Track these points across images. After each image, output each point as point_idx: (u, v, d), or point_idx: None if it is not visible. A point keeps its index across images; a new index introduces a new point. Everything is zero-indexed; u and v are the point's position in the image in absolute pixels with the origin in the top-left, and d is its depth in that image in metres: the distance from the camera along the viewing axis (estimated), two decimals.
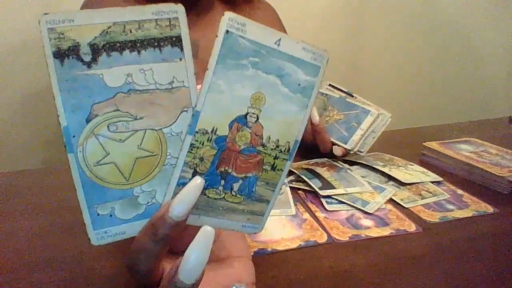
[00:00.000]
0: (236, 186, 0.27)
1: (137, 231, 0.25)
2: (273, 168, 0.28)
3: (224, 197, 0.27)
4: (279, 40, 0.26)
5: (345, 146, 0.62)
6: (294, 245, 0.43)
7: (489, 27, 1.66)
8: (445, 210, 0.52)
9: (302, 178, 0.57)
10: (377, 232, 0.46)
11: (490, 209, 0.53)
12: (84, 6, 0.69)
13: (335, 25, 1.45)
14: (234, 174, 0.27)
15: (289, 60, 0.26)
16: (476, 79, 1.73)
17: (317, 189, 0.54)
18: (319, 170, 0.61)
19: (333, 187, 0.55)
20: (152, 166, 0.25)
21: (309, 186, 0.56)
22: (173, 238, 0.24)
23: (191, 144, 0.25)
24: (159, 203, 0.26)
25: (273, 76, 0.26)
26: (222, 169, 0.27)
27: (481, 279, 0.39)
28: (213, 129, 0.26)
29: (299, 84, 0.27)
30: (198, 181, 0.24)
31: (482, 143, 0.73)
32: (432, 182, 0.60)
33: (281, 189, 0.54)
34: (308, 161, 0.65)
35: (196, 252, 0.22)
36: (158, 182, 0.26)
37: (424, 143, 0.70)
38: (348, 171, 0.61)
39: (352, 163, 0.65)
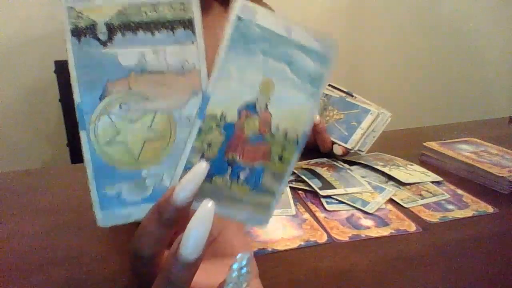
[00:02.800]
0: (243, 175, 0.27)
1: (143, 214, 0.25)
2: (281, 159, 0.28)
3: (230, 186, 0.27)
4: (290, 28, 0.26)
5: (346, 145, 0.62)
6: (294, 245, 0.43)
7: (490, 27, 1.66)
8: (445, 210, 0.52)
9: (302, 178, 0.57)
10: (377, 232, 0.46)
11: (490, 209, 0.53)
12: None
13: (335, 26, 1.45)
14: (242, 162, 0.27)
15: (299, 49, 0.26)
16: (476, 79, 1.73)
17: (317, 189, 0.54)
18: (319, 170, 0.61)
19: (333, 187, 0.55)
20: (161, 148, 0.26)
21: (309, 186, 0.56)
22: (178, 222, 0.24)
23: (200, 129, 0.26)
24: (166, 187, 0.26)
25: (282, 64, 0.26)
26: (230, 156, 0.27)
27: (481, 279, 0.39)
28: (222, 115, 0.26)
29: (308, 73, 0.27)
30: (204, 165, 0.24)
31: (482, 143, 0.73)
32: (432, 182, 0.60)
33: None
34: (308, 161, 0.65)
35: (197, 226, 0.22)
36: (166, 165, 0.26)
37: (424, 143, 0.70)
38: (348, 171, 0.61)
39: (352, 163, 0.65)
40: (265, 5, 0.82)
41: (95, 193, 0.25)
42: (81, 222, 0.47)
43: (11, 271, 0.39)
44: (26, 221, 0.48)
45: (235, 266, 0.23)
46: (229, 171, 0.27)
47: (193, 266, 0.23)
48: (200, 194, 0.25)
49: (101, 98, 0.24)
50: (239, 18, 0.24)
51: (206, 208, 0.23)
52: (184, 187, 0.23)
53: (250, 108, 0.26)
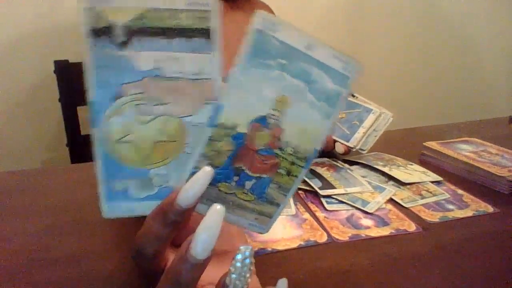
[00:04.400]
0: (248, 185, 0.28)
1: (147, 210, 0.26)
2: (288, 173, 0.28)
3: (235, 193, 0.28)
4: (311, 44, 0.25)
5: (348, 144, 0.62)
6: (294, 244, 0.43)
7: (490, 27, 1.66)
8: (445, 210, 0.52)
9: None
10: (377, 232, 0.46)
11: (490, 209, 0.52)
12: None
13: (334, 25, 1.45)
14: (249, 172, 0.27)
15: (318, 66, 0.26)
16: (476, 79, 1.73)
17: (317, 189, 0.54)
18: (319, 170, 0.61)
19: (333, 187, 0.55)
20: (169, 151, 0.26)
21: (309, 186, 0.56)
22: (181, 223, 0.25)
23: (210, 137, 0.26)
24: (172, 187, 0.27)
25: (299, 81, 0.26)
26: (237, 166, 0.27)
27: (481, 279, 0.39)
28: (233, 125, 0.26)
29: (325, 92, 0.26)
30: (208, 169, 0.25)
31: (482, 143, 0.73)
32: (432, 182, 0.60)
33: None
34: None
35: (208, 227, 0.23)
36: (174, 168, 0.26)
37: (424, 143, 0.70)
38: (348, 171, 0.61)
39: (352, 163, 0.65)
40: (263, 6, 0.82)
41: (102, 187, 0.26)
42: (81, 222, 0.47)
43: (11, 270, 0.39)
44: (26, 221, 0.48)
45: (239, 256, 0.24)
46: (235, 179, 0.27)
47: (201, 266, 0.23)
48: (205, 197, 0.26)
49: (115, 98, 0.25)
50: (259, 31, 0.24)
51: (216, 210, 0.23)
52: (188, 190, 0.24)
53: (262, 121, 0.26)
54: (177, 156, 0.26)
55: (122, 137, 0.25)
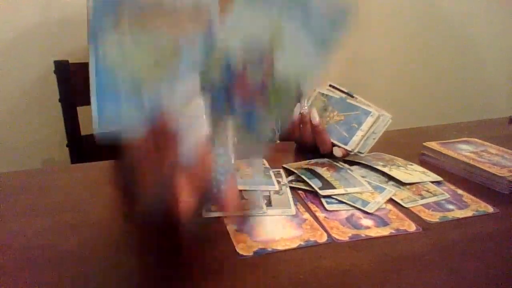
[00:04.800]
0: (238, 113, 0.29)
1: (137, 124, 0.26)
2: (277, 105, 0.30)
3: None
4: None
5: (346, 147, 0.62)
6: (294, 245, 0.43)
7: (490, 27, 1.66)
8: (445, 210, 0.52)
9: (302, 178, 0.57)
10: (377, 232, 0.46)
11: (490, 209, 0.53)
12: None
13: None
14: (240, 102, 0.29)
15: (315, 10, 0.28)
16: (476, 80, 1.73)
17: (317, 189, 0.54)
18: (319, 170, 0.61)
19: (333, 187, 0.55)
20: (163, 71, 0.27)
21: (309, 186, 0.56)
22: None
23: (204, 65, 0.27)
24: (163, 105, 0.27)
25: (296, 21, 0.27)
26: (229, 95, 0.28)
27: (481, 279, 0.39)
28: (227, 56, 0.27)
29: (320, 34, 0.28)
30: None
31: (482, 143, 0.73)
32: (432, 182, 0.60)
33: (280, 186, 0.54)
34: (308, 161, 0.65)
35: None
36: (166, 86, 0.27)
37: (424, 143, 0.70)
38: (348, 171, 0.61)
39: (352, 163, 0.65)
40: None
41: (95, 98, 0.26)
42: (81, 222, 0.47)
43: (10, 270, 0.39)
44: (26, 221, 0.48)
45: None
46: (226, 107, 0.28)
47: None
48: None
49: (114, 20, 0.25)
50: None
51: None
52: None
53: (256, 53, 0.27)
54: (170, 76, 0.27)
55: (117, 56, 0.26)
